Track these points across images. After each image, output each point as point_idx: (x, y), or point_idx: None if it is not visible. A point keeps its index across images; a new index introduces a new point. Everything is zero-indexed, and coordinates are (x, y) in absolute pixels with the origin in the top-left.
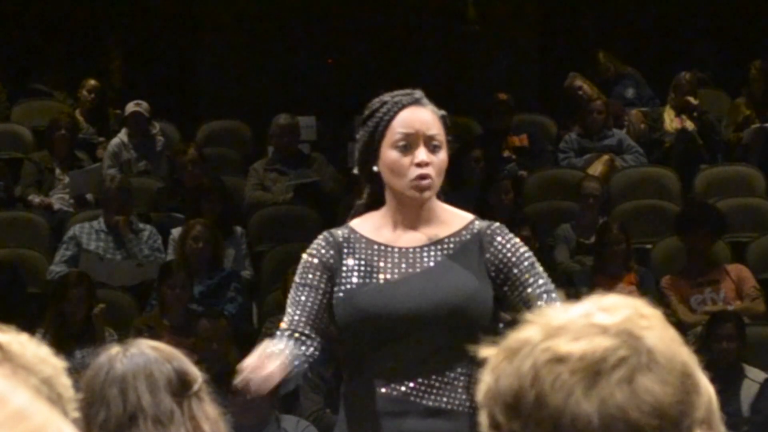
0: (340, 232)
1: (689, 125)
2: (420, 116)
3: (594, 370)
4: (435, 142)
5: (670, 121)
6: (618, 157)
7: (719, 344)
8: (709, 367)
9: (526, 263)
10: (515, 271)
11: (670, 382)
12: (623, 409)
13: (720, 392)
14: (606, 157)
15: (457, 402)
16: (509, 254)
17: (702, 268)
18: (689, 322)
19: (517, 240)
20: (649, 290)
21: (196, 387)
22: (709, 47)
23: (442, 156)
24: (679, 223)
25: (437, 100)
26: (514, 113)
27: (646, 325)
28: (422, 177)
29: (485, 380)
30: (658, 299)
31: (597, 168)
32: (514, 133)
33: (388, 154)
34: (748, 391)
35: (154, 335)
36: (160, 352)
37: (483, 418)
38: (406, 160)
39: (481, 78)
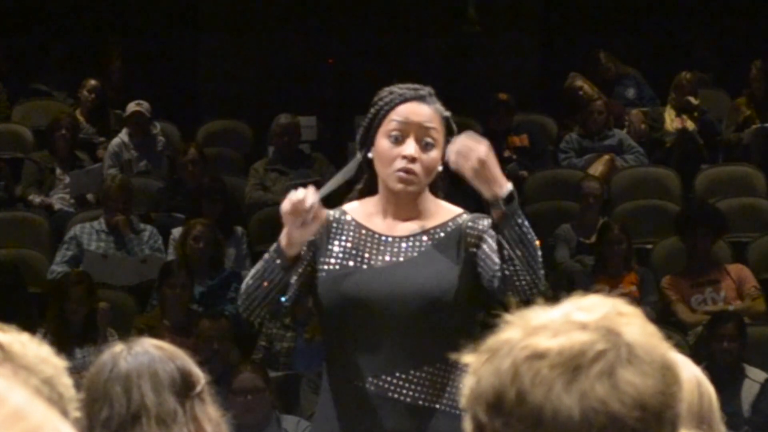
0: (331, 213)
1: (690, 125)
2: (419, 110)
3: (574, 364)
4: (429, 139)
5: (671, 121)
6: (618, 157)
7: (720, 344)
8: (709, 367)
9: (492, 244)
10: (484, 250)
11: (651, 374)
12: (604, 402)
13: (720, 392)
14: (606, 157)
15: (434, 398)
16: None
17: (702, 268)
18: (690, 322)
19: (487, 222)
20: (650, 290)
21: (199, 388)
22: (709, 47)
23: (434, 155)
24: (679, 223)
25: (437, 100)
26: (514, 113)
27: (625, 321)
28: (406, 171)
29: (467, 383)
30: (659, 299)
31: (597, 168)
32: (514, 133)
33: (381, 142)
34: (749, 391)
35: (155, 335)
36: (165, 351)
37: (467, 423)
38: (395, 150)
39: (481, 78)
